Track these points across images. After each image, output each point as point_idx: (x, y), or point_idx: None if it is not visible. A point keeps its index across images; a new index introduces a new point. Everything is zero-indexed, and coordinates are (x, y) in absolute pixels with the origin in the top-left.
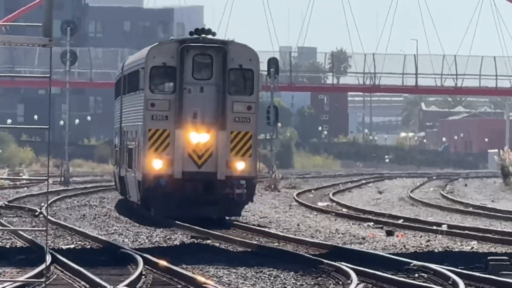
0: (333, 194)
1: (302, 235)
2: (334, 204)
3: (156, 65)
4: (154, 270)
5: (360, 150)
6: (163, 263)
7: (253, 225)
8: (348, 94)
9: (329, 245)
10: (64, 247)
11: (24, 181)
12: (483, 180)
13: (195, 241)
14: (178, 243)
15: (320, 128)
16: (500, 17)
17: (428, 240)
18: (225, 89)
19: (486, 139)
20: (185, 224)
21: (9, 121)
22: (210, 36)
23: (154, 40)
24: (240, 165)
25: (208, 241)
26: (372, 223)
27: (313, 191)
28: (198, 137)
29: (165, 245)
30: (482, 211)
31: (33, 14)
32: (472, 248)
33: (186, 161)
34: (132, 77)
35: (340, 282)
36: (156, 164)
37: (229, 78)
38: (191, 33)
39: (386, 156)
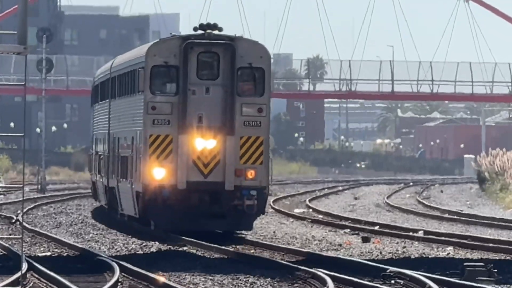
0: (310, 200)
1: (279, 242)
2: (311, 210)
3: (157, 65)
4: (131, 277)
5: (337, 157)
6: (139, 270)
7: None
8: (324, 100)
9: (305, 252)
10: (40, 254)
11: (0, 189)
12: (459, 186)
13: (172, 248)
14: (155, 250)
15: (296, 135)
16: (476, 23)
17: (405, 246)
18: (233, 90)
19: (462, 145)
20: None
21: None
22: (216, 32)
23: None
24: (250, 174)
25: (185, 248)
26: (348, 230)
27: (289, 197)
28: (203, 143)
29: (142, 252)
30: (458, 217)
31: (8, 21)
32: (448, 254)
33: (191, 170)
34: (126, 78)
35: None
36: (158, 173)
37: (238, 78)
38: (195, 29)
39: (362, 162)
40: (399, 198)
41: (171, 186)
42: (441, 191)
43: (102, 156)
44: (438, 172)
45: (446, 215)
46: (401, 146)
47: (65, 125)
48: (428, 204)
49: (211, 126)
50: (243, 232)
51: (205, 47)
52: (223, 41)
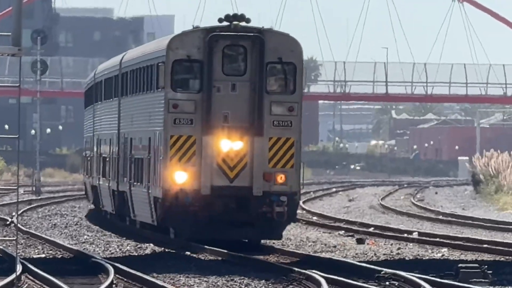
0: (304, 202)
1: (273, 243)
2: (305, 212)
3: (179, 59)
4: (125, 279)
5: (331, 158)
6: (134, 272)
7: None
8: (319, 102)
9: (300, 253)
10: (35, 256)
11: None
12: (454, 187)
13: (166, 250)
14: (149, 252)
15: None
16: (470, 25)
17: (399, 248)
18: (262, 87)
19: (457, 147)
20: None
21: None
22: (243, 23)
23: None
24: (280, 178)
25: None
26: (343, 231)
27: None
28: (229, 144)
29: (136, 254)
30: (453, 219)
31: (3, 23)
32: (443, 255)
33: (216, 174)
34: (141, 74)
35: None
36: (180, 177)
37: (267, 74)
38: (220, 20)
39: (357, 164)
40: (393, 199)
41: (193, 191)
42: (436, 193)
43: (108, 158)
44: (433, 174)
45: (441, 217)
46: (395, 148)
47: (60, 127)
48: (423, 205)
49: (238, 126)
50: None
51: (231, 40)
52: (251, 34)
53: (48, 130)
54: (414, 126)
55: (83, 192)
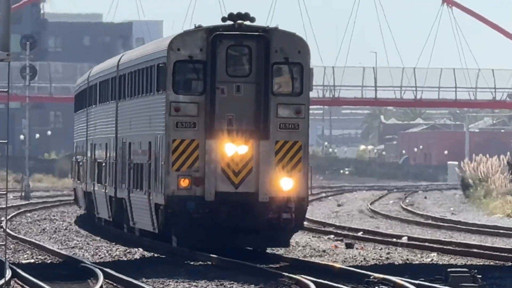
0: None
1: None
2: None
3: (180, 60)
4: (114, 284)
5: (320, 163)
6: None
7: None
8: None
9: (289, 258)
10: (24, 261)
11: None
12: (443, 192)
13: (155, 255)
14: (139, 257)
15: None
16: (459, 29)
17: (388, 253)
18: (268, 88)
19: (446, 151)
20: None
21: None
22: (248, 22)
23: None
24: (287, 184)
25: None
26: (332, 236)
27: None
28: (234, 148)
29: (125, 259)
30: (442, 223)
31: None
32: (432, 260)
33: (220, 179)
34: (140, 76)
35: None
36: (182, 183)
37: (273, 75)
38: (223, 19)
39: (346, 169)
40: (382, 204)
41: (197, 197)
42: (425, 197)
43: (104, 164)
44: (422, 179)
45: (430, 221)
46: (384, 153)
47: (49, 132)
48: (412, 210)
49: (243, 129)
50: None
51: (236, 40)
52: (256, 33)
53: (37, 135)
54: (403, 131)
55: (72, 198)
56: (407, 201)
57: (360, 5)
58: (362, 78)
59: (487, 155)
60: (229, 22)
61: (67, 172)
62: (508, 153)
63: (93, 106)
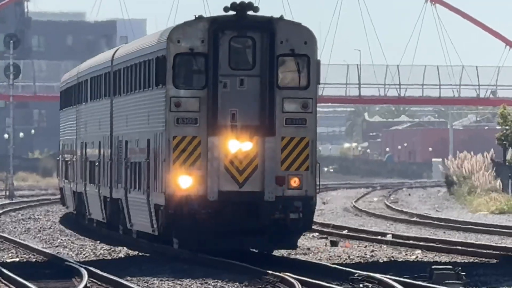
0: None
1: None
2: None
3: (181, 52)
4: (99, 283)
5: None
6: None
7: None
8: None
9: (274, 256)
10: (8, 260)
11: None
12: (427, 189)
13: (140, 253)
14: (123, 256)
15: None
16: (443, 26)
17: (373, 250)
18: (273, 82)
19: (430, 149)
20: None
21: None
22: (251, 13)
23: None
24: (294, 182)
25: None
26: (316, 234)
27: None
28: (238, 145)
29: (110, 258)
30: (426, 221)
31: None
32: (417, 257)
33: (223, 178)
34: (137, 70)
35: None
36: (184, 182)
37: (278, 68)
38: (225, 9)
39: (331, 167)
40: (367, 202)
41: (199, 197)
42: (409, 195)
43: (97, 163)
44: (406, 176)
45: (414, 219)
46: (368, 150)
47: (32, 131)
48: (396, 207)
49: (247, 125)
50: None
51: (239, 31)
52: (260, 24)
53: (21, 134)
54: (387, 128)
55: (56, 196)
56: (391, 198)
57: (343, 3)
58: (346, 75)
59: (471, 152)
60: (232, 12)
61: (51, 171)
62: (492, 150)
63: (84, 103)
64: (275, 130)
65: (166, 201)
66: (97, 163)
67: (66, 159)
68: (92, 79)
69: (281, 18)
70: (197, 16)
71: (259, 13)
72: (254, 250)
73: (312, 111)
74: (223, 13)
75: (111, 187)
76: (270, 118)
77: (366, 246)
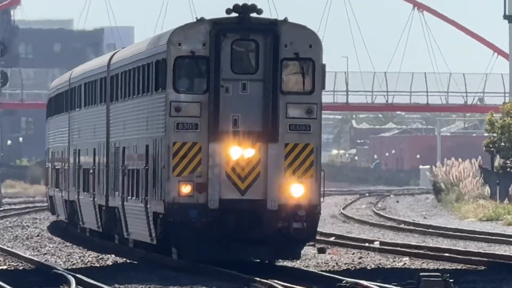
0: None
1: None
2: None
3: (182, 55)
4: None
5: None
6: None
7: None
8: None
9: (262, 262)
10: None
11: None
12: (415, 196)
13: (128, 261)
14: (111, 263)
15: None
16: (430, 33)
17: (361, 257)
18: (276, 86)
19: (418, 156)
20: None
21: None
22: (254, 15)
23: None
24: (298, 190)
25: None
26: None
27: None
28: (240, 152)
29: (98, 265)
30: (414, 228)
31: None
32: (404, 264)
33: (225, 186)
34: (135, 75)
35: None
36: (184, 190)
37: (282, 72)
38: (228, 11)
39: None
40: (355, 209)
41: (200, 205)
42: (397, 202)
43: (92, 170)
44: (394, 183)
45: (402, 226)
46: (356, 157)
47: (20, 139)
48: (384, 214)
49: (249, 131)
50: None
51: (241, 34)
52: (263, 26)
53: (9, 142)
54: (375, 135)
55: (44, 204)
56: (379, 205)
57: (331, 10)
58: (334, 83)
59: (459, 159)
60: (234, 15)
61: (39, 178)
62: (480, 157)
63: (77, 109)
64: (279, 136)
65: (166, 209)
66: (91, 171)
67: (57, 167)
68: (86, 85)
69: (285, 20)
70: (198, 18)
71: (262, 16)
72: (257, 260)
73: (316, 116)
74: (227, 15)
75: (107, 195)
76: (274, 124)
77: (354, 253)
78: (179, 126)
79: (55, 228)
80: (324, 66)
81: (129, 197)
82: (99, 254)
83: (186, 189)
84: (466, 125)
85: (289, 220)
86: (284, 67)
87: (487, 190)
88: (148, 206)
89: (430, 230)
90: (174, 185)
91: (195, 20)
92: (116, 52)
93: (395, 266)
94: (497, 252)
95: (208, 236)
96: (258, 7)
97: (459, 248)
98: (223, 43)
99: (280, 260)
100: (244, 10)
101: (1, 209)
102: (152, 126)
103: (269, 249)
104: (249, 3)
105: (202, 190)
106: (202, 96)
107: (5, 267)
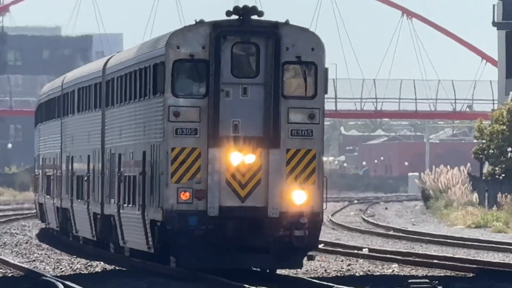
0: None
1: None
2: None
3: (181, 59)
4: None
5: None
6: None
7: None
8: None
9: (251, 270)
10: None
11: None
12: (404, 203)
13: (117, 268)
14: (100, 270)
15: None
16: (419, 41)
17: (349, 264)
18: (278, 90)
19: (406, 163)
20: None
21: None
22: (255, 17)
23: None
24: (300, 197)
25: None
26: None
27: None
28: (240, 158)
29: (87, 272)
30: (403, 234)
31: None
32: (393, 271)
33: (225, 192)
34: (132, 79)
35: None
36: (183, 196)
37: (283, 76)
38: (228, 13)
39: None
40: (343, 215)
41: (199, 212)
42: (386, 209)
43: (86, 178)
44: (383, 190)
45: (391, 232)
46: (345, 164)
47: (9, 145)
48: (373, 221)
49: (250, 136)
50: None
51: (242, 37)
52: (264, 29)
53: None
54: (364, 142)
55: (33, 211)
56: (368, 212)
57: (319, 17)
58: None
59: (448, 166)
60: (235, 17)
61: (28, 185)
62: (469, 164)
63: (70, 115)
64: (280, 141)
65: (164, 216)
66: (86, 178)
67: (48, 174)
68: (80, 90)
69: (287, 22)
70: (197, 20)
71: (263, 18)
72: (257, 269)
73: (319, 122)
74: (227, 18)
75: (102, 203)
76: (275, 129)
77: (342, 260)
78: (178, 132)
79: (44, 236)
80: (327, 70)
81: (126, 205)
82: (88, 261)
83: (185, 196)
84: (455, 132)
85: (290, 228)
86: (286, 71)
87: (475, 197)
88: (146, 213)
89: (419, 237)
90: (173, 192)
91: (194, 22)
92: (112, 56)
93: (384, 273)
94: (485, 259)
95: (208, 244)
96: (259, 9)
97: (448, 255)
98: (223, 46)
99: (281, 269)
100: (244, 12)
101: None
102: (150, 131)
103: (270, 258)
104: (247, 5)
105: (202, 197)
106: (202, 101)
107: None
